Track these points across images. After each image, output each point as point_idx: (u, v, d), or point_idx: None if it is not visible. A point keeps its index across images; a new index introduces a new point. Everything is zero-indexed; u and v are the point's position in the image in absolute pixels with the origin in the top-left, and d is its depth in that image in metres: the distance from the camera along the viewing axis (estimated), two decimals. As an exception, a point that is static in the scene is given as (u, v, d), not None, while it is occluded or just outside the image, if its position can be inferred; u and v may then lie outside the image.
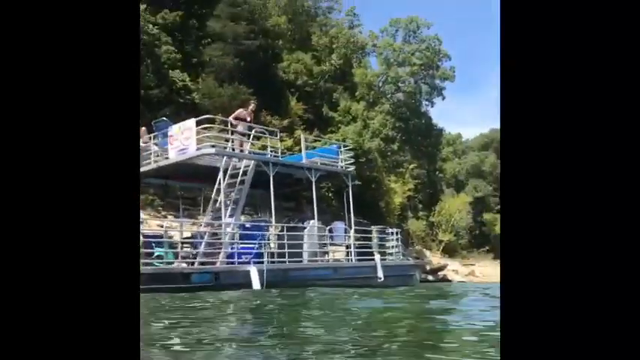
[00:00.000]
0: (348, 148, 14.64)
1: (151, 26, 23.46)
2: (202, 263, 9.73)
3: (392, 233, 13.71)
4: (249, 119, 12.07)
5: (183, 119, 16.67)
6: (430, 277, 27.37)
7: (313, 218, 11.80)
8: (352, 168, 13.69)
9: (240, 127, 11.87)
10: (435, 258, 33.72)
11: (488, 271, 33.26)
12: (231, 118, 11.86)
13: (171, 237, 10.43)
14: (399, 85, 37.74)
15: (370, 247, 12.82)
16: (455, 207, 39.13)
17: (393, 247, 13.62)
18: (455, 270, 31.30)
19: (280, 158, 11.88)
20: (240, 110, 12.24)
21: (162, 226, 16.59)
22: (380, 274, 11.95)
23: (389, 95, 37.60)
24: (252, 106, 12.45)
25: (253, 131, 11.68)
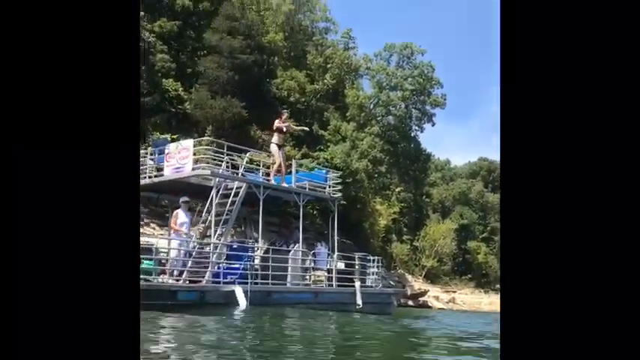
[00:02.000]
0: (336, 175, 14.76)
1: (147, 34, 23.44)
2: (189, 280, 9.73)
3: (373, 261, 13.80)
4: (285, 130, 12.06)
5: (174, 128, 16.57)
6: (410, 303, 27.34)
7: (298, 241, 11.86)
8: (339, 194, 13.81)
9: (276, 138, 11.82)
10: (417, 283, 33.73)
11: (469, 299, 33.32)
12: (276, 129, 11.83)
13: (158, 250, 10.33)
14: (390, 108, 38.03)
15: (351, 274, 12.90)
16: (440, 233, 39.24)
17: (373, 273, 13.72)
18: (436, 296, 31.31)
19: (271, 181, 11.88)
20: (277, 121, 11.97)
21: (147, 235, 16.45)
22: (359, 300, 12.05)
23: (379, 118, 37.86)
24: (285, 116, 12.41)
25: (248, 154, 11.67)
